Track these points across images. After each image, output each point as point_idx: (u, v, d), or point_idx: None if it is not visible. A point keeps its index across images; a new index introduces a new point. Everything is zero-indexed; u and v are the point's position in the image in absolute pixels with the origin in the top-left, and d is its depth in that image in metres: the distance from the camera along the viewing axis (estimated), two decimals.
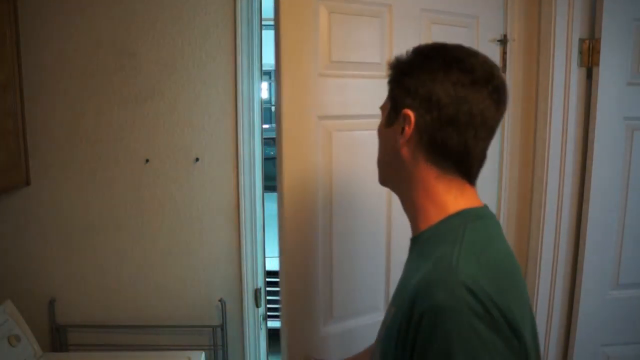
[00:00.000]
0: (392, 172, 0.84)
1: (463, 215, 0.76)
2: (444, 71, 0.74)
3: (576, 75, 1.65)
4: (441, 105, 0.74)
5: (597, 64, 1.62)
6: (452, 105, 0.73)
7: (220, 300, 1.89)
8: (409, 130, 0.77)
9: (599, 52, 1.60)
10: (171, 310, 1.91)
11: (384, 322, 0.80)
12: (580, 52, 1.64)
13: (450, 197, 0.77)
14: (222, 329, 1.89)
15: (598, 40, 1.61)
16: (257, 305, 1.92)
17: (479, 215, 0.78)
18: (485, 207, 0.80)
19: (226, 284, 1.90)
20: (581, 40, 1.63)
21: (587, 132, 1.68)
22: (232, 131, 1.83)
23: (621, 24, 1.62)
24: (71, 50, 1.79)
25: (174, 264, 1.90)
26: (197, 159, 1.85)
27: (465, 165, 0.77)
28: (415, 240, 0.81)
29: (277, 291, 3.27)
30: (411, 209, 0.81)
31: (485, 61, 0.76)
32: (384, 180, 0.87)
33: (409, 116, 0.76)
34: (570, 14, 1.63)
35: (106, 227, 1.87)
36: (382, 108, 0.84)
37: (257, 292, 1.91)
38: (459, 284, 0.64)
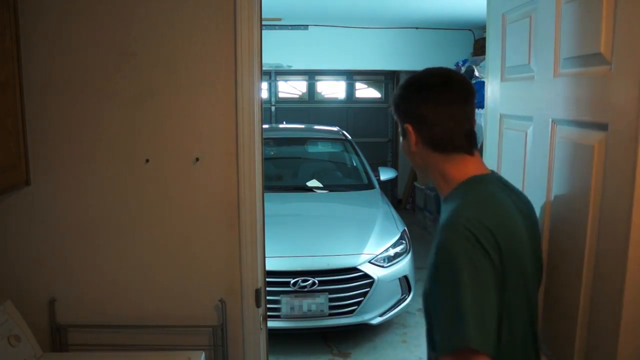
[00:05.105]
0: (418, 167, 1.21)
1: (467, 182, 1.12)
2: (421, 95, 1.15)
3: None
4: (426, 118, 1.13)
5: None
6: (435, 120, 1.12)
7: (220, 300, 1.89)
8: (413, 137, 1.14)
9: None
10: (171, 310, 1.91)
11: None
12: None
13: (454, 171, 1.13)
14: (222, 329, 1.89)
15: None
16: (257, 305, 1.92)
17: (478, 180, 1.13)
18: (489, 173, 1.16)
19: (226, 284, 1.90)
20: None
21: None
22: (232, 131, 1.83)
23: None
24: (71, 50, 1.79)
25: (174, 263, 1.90)
26: (197, 159, 1.85)
27: (460, 144, 1.13)
28: (443, 203, 1.16)
29: (277, 291, 3.30)
30: (436, 184, 1.19)
31: (440, 72, 1.16)
32: (419, 173, 1.25)
33: (409, 127, 1.15)
34: None
35: (106, 227, 1.87)
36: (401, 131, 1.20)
37: (257, 292, 1.91)
38: (458, 222, 1.02)
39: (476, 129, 1.19)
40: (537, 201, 1.38)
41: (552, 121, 1.31)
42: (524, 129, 1.49)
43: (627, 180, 0.99)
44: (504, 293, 1.01)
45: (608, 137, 1.06)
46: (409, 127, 1.14)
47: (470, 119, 1.15)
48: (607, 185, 1.07)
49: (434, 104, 1.12)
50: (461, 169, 1.13)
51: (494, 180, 1.16)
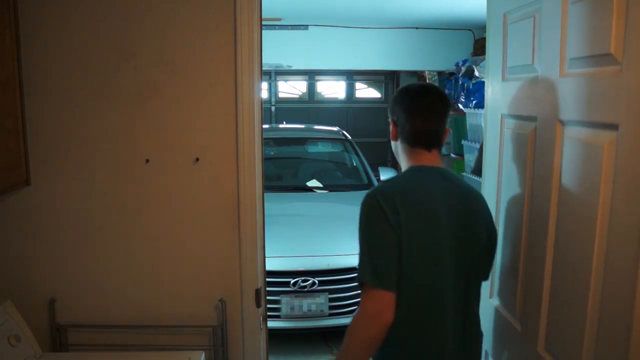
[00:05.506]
0: (394, 153, 1.55)
1: (410, 168, 1.44)
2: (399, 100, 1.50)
3: None
4: (402, 116, 1.47)
5: None
6: (407, 120, 1.46)
7: (220, 300, 1.89)
8: (393, 129, 1.50)
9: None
10: (171, 310, 1.91)
11: None
12: None
13: (411, 161, 1.45)
14: (222, 329, 1.89)
15: None
16: (257, 305, 1.92)
17: (417, 169, 1.43)
18: (435, 166, 1.44)
19: (226, 284, 1.90)
20: None
21: None
22: (232, 131, 1.83)
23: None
24: (71, 50, 1.79)
25: (174, 263, 1.90)
26: (197, 159, 1.85)
27: (420, 141, 1.44)
28: None
29: (277, 291, 3.29)
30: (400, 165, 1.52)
31: (420, 87, 1.52)
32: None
33: (392, 122, 1.51)
34: None
35: (106, 227, 1.87)
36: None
37: (257, 292, 1.91)
38: (372, 192, 1.37)
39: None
40: (542, 200, 1.38)
41: (558, 121, 1.30)
42: (527, 130, 1.48)
43: (639, 179, 0.99)
44: (405, 252, 1.30)
45: (619, 137, 1.05)
46: (392, 122, 1.50)
47: (437, 125, 1.44)
48: (617, 185, 1.06)
49: (409, 107, 1.45)
50: (414, 159, 1.45)
51: (433, 171, 1.43)
